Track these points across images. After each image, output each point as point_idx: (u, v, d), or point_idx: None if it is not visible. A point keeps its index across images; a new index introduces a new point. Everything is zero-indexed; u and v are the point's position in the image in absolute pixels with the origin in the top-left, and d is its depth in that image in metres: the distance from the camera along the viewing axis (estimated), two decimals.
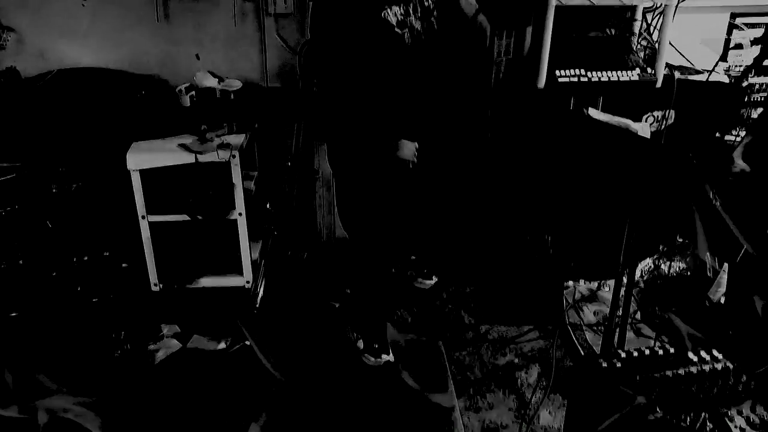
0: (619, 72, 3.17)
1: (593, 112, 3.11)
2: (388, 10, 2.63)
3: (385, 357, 3.00)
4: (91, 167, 3.31)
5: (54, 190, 3.31)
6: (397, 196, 2.99)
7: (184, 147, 3.10)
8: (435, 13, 2.75)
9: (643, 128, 3.09)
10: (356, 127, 2.77)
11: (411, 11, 2.69)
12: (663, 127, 3.23)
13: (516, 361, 3.03)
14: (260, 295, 3.40)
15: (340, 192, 3.06)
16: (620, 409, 2.20)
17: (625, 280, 2.72)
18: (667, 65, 3.19)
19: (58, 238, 3.34)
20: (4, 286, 3.21)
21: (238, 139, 3.18)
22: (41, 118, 3.35)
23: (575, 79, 3.14)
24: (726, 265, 2.96)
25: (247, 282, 3.32)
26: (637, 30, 3.27)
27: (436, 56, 2.83)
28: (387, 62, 2.68)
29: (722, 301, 2.98)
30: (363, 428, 2.71)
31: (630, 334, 2.96)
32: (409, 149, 2.80)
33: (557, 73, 3.15)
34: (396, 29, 2.66)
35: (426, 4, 2.72)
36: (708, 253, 3.02)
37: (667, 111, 3.21)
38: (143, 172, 3.10)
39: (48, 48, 3.55)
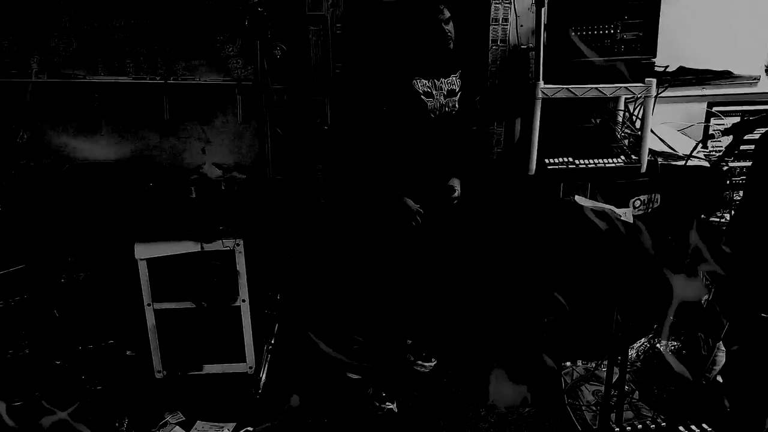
0: (605, 159, 3.26)
1: (580, 199, 3.15)
2: (417, 81, 3.12)
3: (389, 405, 3.13)
4: (99, 257, 3.34)
5: (62, 280, 3.34)
6: (399, 253, 3.29)
7: (191, 237, 3.14)
8: (458, 95, 3.18)
9: (627, 214, 3.11)
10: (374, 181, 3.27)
11: (437, 86, 3.15)
12: (650, 210, 3.29)
13: None
14: (263, 381, 3.35)
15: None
16: None
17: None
18: (651, 151, 3.27)
19: (64, 327, 3.34)
20: (9, 375, 3.19)
21: (242, 227, 3.20)
22: (53, 209, 3.40)
23: (563, 166, 3.25)
24: (721, 343, 2.97)
25: (250, 368, 3.30)
26: (620, 119, 3.39)
27: (450, 127, 3.19)
28: (409, 121, 3.16)
29: (719, 378, 3.00)
30: None
31: (629, 413, 3.00)
32: (413, 204, 3.17)
33: (546, 160, 3.26)
34: (421, 96, 3.12)
35: (452, 87, 3.16)
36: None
37: (653, 195, 3.28)
38: (150, 261, 3.14)
39: (62, 144, 3.63)
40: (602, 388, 3.08)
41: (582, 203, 3.09)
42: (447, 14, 3.06)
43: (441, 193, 3.28)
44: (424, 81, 3.11)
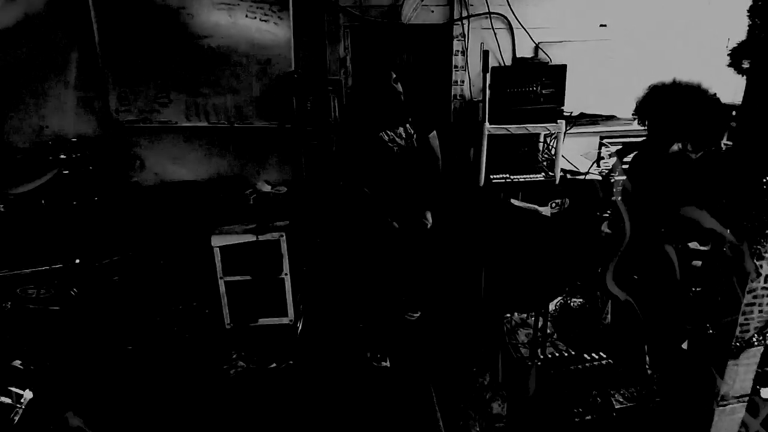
0: (531, 175, 3.48)
1: (514, 201, 3.41)
2: (384, 133, 3.15)
3: (384, 363, 3.19)
4: (185, 247, 3.53)
5: (161, 263, 3.56)
6: (391, 254, 3.37)
7: (249, 231, 3.28)
8: (414, 137, 3.22)
9: (546, 210, 3.35)
10: (366, 208, 3.29)
11: (396, 135, 3.17)
12: (562, 208, 3.43)
13: (475, 369, 3.07)
14: (300, 328, 3.51)
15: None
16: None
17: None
18: (562, 170, 3.50)
19: (163, 294, 3.53)
20: (125, 329, 3.36)
21: (284, 224, 3.34)
22: (154, 213, 3.63)
23: (503, 180, 3.46)
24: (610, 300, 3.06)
25: (290, 320, 3.44)
26: (541, 147, 3.62)
27: (411, 162, 3.25)
28: (382, 163, 3.20)
29: (608, 321, 3.09)
30: (368, 400, 2.89)
31: (550, 348, 3.04)
32: (396, 224, 3.29)
33: (491, 176, 3.47)
34: (388, 143, 3.18)
35: (409, 132, 3.20)
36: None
37: (564, 198, 3.45)
38: (222, 248, 3.29)
39: (160, 168, 3.82)
40: (531, 331, 3.18)
41: (516, 204, 3.39)
42: (394, 76, 3.13)
43: (416, 214, 3.35)
44: (389, 132, 3.18)
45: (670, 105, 2.42)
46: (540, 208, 3.36)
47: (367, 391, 2.96)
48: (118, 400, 2.83)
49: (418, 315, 3.60)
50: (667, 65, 3.70)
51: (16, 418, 2.00)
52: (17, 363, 2.17)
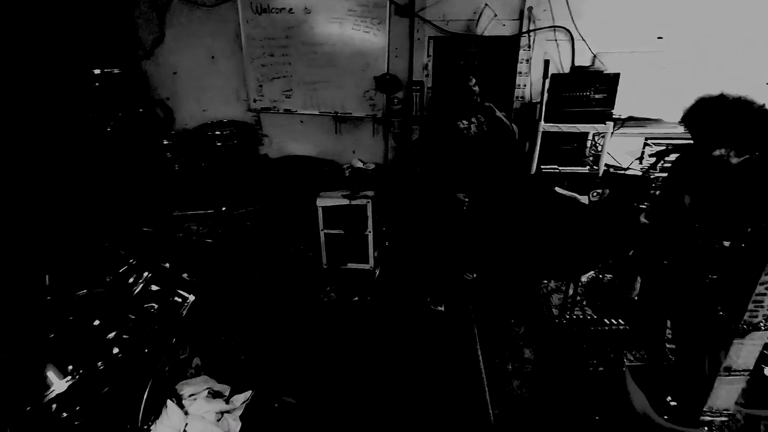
0: (577, 167, 3.32)
1: (558, 189, 3.25)
2: (460, 122, 3.09)
3: (440, 308, 3.24)
4: (297, 205, 3.70)
5: (280, 215, 3.74)
6: (454, 226, 3.32)
7: (344, 196, 3.41)
8: (485, 124, 3.13)
9: (584, 199, 3.14)
10: (438, 184, 3.23)
11: (471, 122, 3.10)
12: (603, 198, 3.16)
13: (513, 321, 3.07)
14: (377, 273, 3.60)
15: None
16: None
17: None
18: (606, 164, 3.29)
19: (279, 238, 3.74)
20: (253, 260, 3.56)
21: (371, 193, 3.46)
22: (276, 178, 3.82)
23: (552, 170, 3.33)
24: (639, 277, 2.93)
25: (371, 267, 3.57)
26: (588, 144, 3.41)
27: (484, 145, 3.15)
28: (457, 146, 3.13)
29: (635, 297, 2.95)
30: (425, 334, 2.94)
31: (578, 312, 2.95)
32: (461, 197, 3.21)
33: (542, 166, 3.35)
34: (464, 131, 3.11)
35: (481, 119, 3.11)
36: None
37: (605, 189, 3.18)
38: (323, 208, 3.44)
39: (282, 144, 4.02)
40: (563, 296, 3.14)
41: (558, 191, 3.25)
42: (473, 80, 3.03)
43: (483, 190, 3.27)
44: (464, 121, 3.11)
45: (716, 118, 2.16)
46: (579, 196, 3.16)
47: (424, 327, 3.03)
48: (246, 307, 3.10)
49: (474, 276, 3.56)
50: (716, 76, 3.28)
51: (184, 312, 2.34)
52: (185, 275, 2.48)
